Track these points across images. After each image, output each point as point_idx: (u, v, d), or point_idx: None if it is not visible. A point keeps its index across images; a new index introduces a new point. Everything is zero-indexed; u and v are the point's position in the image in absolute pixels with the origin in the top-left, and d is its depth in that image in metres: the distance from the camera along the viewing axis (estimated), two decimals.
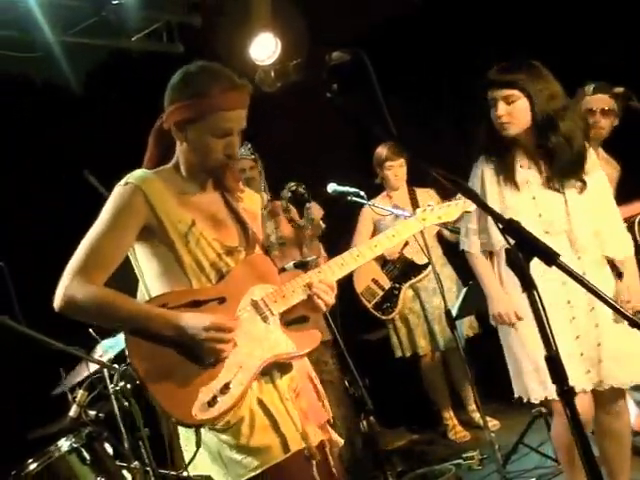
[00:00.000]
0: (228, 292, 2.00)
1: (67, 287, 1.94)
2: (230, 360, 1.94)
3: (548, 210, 2.76)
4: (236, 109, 2.02)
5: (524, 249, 1.60)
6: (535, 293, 1.57)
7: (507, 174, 2.78)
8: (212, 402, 1.89)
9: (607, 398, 2.78)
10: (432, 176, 1.64)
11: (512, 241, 1.61)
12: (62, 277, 1.97)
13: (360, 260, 2.17)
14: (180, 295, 1.97)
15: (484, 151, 2.86)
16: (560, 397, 1.57)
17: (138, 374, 1.90)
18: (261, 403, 1.98)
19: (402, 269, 4.57)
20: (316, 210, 3.97)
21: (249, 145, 4.19)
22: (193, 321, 1.92)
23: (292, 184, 3.92)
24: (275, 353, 2.01)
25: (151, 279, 2.05)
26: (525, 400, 2.84)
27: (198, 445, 1.94)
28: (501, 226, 1.62)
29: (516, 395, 2.90)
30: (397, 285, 4.57)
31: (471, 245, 2.90)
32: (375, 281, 4.59)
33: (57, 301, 1.96)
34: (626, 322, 1.61)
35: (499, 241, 2.75)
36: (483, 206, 1.74)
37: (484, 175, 2.84)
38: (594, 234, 2.78)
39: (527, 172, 2.79)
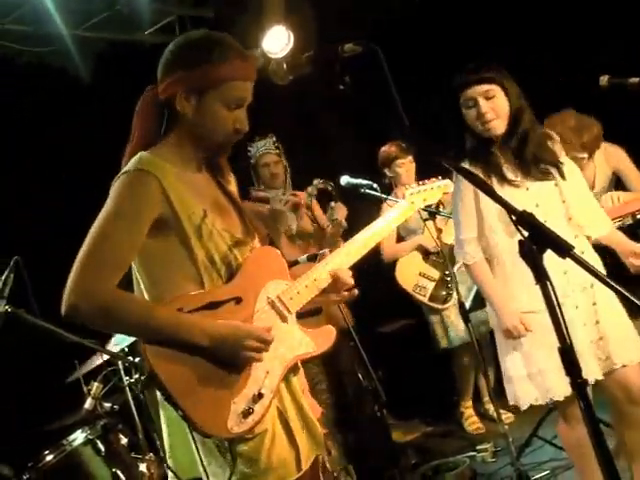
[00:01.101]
0: (243, 291, 1.87)
1: (78, 292, 1.71)
2: (257, 366, 1.83)
3: (543, 198, 2.75)
4: (248, 80, 1.89)
5: (538, 241, 1.60)
6: (549, 284, 1.57)
7: (497, 172, 2.76)
8: (247, 412, 1.78)
9: (631, 385, 2.74)
10: (440, 168, 1.63)
11: (525, 233, 1.60)
12: (70, 278, 1.73)
13: (362, 250, 2.12)
14: (194, 298, 1.81)
15: (469, 158, 2.80)
16: (574, 389, 1.56)
17: (165, 387, 1.73)
18: (279, 411, 1.88)
19: (446, 256, 4.53)
20: (340, 210, 3.96)
21: (274, 138, 4.14)
22: (233, 331, 1.78)
23: (320, 180, 3.88)
24: (296, 354, 1.94)
25: (157, 279, 1.85)
26: (524, 405, 2.78)
27: (234, 460, 1.80)
28: (514, 218, 1.61)
29: (511, 401, 2.84)
30: (447, 272, 4.49)
31: (466, 256, 2.84)
32: (423, 274, 4.55)
33: (65, 308, 1.72)
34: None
35: (497, 243, 2.75)
36: (495, 197, 1.73)
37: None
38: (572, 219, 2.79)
39: (510, 168, 2.79)
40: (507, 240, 2.74)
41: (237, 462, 1.80)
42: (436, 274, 4.55)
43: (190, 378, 1.75)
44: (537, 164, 2.76)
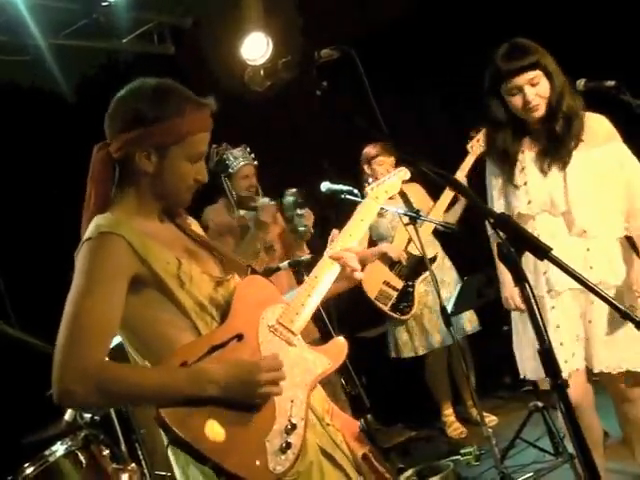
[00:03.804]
0: (241, 326, 1.79)
1: (69, 376, 1.58)
2: (280, 398, 1.73)
3: (541, 192, 2.77)
4: (208, 130, 1.82)
5: (516, 243, 1.60)
6: (527, 286, 1.57)
7: (507, 175, 2.82)
8: (284, 448, 1.68)
9: (623, 386, 2.78)
10: (418, 171, 1.63)
11: (503, 235, 1.61)
12: (56, 363, 1.59)
13: (337, 266, 2.03)
14: (195, 347, 1.71)
15: (495, 146, 2.86)
16: (553, 389, 1.56)
17: (195, 448, 1.61)
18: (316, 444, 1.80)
19: (411, 266, 4.54)
20: (308, 216, 3.96)
21: (248, 149, 4.10)
22: (239, 369, 1.69)
23: (293, 190, 3.87)
24: (315, 375, 1.85)
25: (150, 341, 1.74)
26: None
27: None
28: (492, 220, 1.62)
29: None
30: (410, 283, 4.54)
31: (494, 235, 2.87)
32: (387, 283, 4.55)
33: (59, 395, 1.59)
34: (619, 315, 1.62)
35: (516, 207, 2.80)
36: (473, 199, 1.74)
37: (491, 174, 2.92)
38: (601, 212, 2.75)
39: (527, 155, 2.80)
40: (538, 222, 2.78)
41: None
42: (399, 284, 4.56)
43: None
44: (575, 146, 2.73)
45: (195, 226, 1.97)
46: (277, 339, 1.84)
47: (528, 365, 2.85)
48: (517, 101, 2.73)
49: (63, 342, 1.61)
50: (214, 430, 1.64)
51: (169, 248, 1.78)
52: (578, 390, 2.71)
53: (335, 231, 2.10)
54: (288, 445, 1.69)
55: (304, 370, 1.83)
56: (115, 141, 1.77)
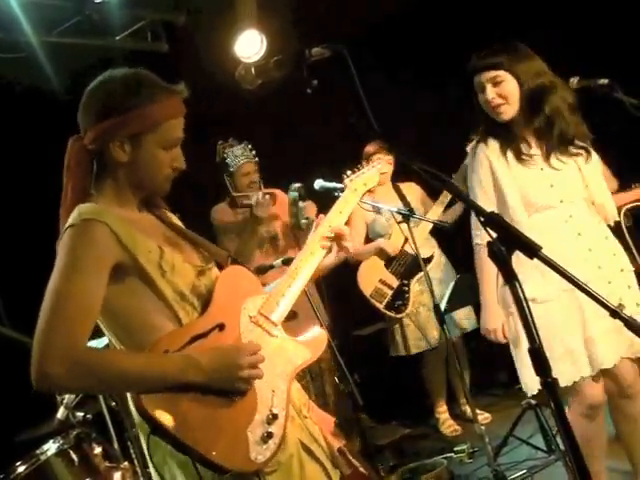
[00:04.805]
0: (222, 316, 1.80)
1: (48, 359, 1.55)
2: (261, 387, 1.76)
3: (560, 179, 2.74)
4: (181, 116, 1.82)
5: (506, 242, 1.60)
6: (517, 285, 1.57)
7: (514, 149, 2.75)
8: (266, 437, 1.70)
9: (623, 380, 2.77)
10: (414, 171, 1.63)
11: (494, 234, 1.61)
12: (35, 346, 1.56)
13: (319, 254, 2.04)
14: (176, 336, 1.72)
15: (484, 134, 2.82)
16: (543, 388, 1.56)
17: (175, 436, 1.61)
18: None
19: (407, 265, 4.55)
20: (310, 208, 4.00)
21: (250, 145, 4.16)
22: (223, 355, 1.71)
23: (297, 185, 3.90)
24: (295, 365, 1.87)
25: (131, 328, 1.73)
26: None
27: None
28: (482, 219, 1.62)
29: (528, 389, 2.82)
30: (405, 282, 4.55)
31: (477, 237, 2.84)
32: (382, 281, 4.56)
33: (38, 379, 1.56)
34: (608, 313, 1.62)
35: (518, 222, 2.70)
36: (465, 199, 1.74)
37: (490, 158, 2.79)
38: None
39: (530, 150, 2.78)
40: (527, 221, 2.72)
41: None
42: (395, 282, 4.56)
43: (197, 419, 1.65)
44: (566, 145, 2.74)
45: (175, 219, 1.97)
46: (258, 329, 1.85)
47: (561, 366, 2.68)
48: (481, 98, 2.77)
49: (44, 325, 1.58)
50: (191, 417, 1.64)
51: (150, 237, 1.78)
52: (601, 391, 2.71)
53: (322, 216, 2.12)
54: (269, 435, 1.70)
55: (285, 360, 1.85)
56: (89, 132, 1.77)
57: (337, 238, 2.04)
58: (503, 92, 2.72)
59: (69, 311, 1.61)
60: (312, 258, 2.02)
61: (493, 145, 2.79)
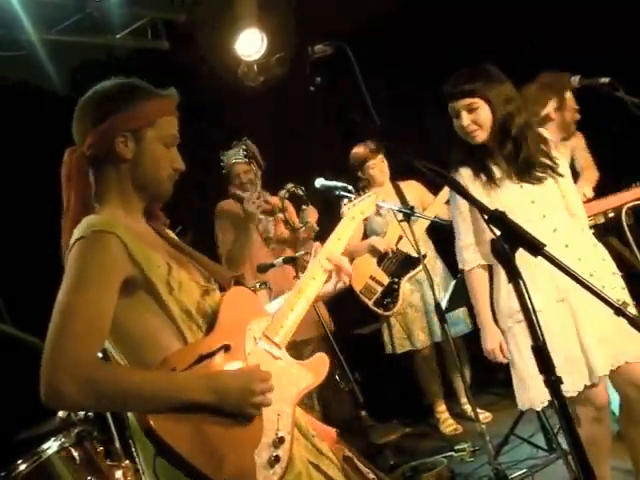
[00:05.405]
0: (228, 337, 1.78)
1: (58, 375, 1.52)
2: (267, 410, 1.73)
3: (540, 195, 2.75)
4: (174, 115, 1.85)
5: (509, 240, 1.60)
6: (521, 283, 1.57)
7: (486, 172, 2.77)
8: (273, 461, 1.69)
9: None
10: (415, 168, 1.63)
11: (497, 232, 1.61)
12: (45, 363, 1.53)
13: (320, 279, 2.06)
14: (183, 355, 1.69)
15: (456, 165, 2.83)
16: (547, 387, 1.56)
17: (186, 460, 1.57)
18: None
19: (399, 264, 4.55)
20: (311, 213, 4.03)
21: (243, 146, 4.22)
22: (235, 379, 1.69)
23: (290, 185, 3.97)
24: (300, 389, 1.86)
25: (137, 343, 1.70)
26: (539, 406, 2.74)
27: None
28: (486, 217, 1.62)
29: (524, 407, 2.83)
30: (396, 280, 4.55)
31: (463, 262, 2.86)
32: (373, 278, 4.56)
33: (48, 395, 1.53)
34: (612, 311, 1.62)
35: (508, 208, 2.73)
36: (469, 197, 1.73)
37: (465, 182, 2.80)
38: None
39: (503, 170, 2.79)
40: None
41: None
42: (385, 280, 4.56)
43: (205, 442, 1.61)
44: (531, 169, 2.75)
45: (172, 235, 1.96)
46: (263, 351, 1.84)
47: (537, 386, 2.64)
48: (456, 124, 2.79)
49: (55, 341, 1.55)
50: (199, 440, 1.61)
51: (158, 251, 1.76)
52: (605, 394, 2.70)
53: (317, 243, 2.15)
54: (276, 459, 1.70)
55: (289, 383, 1.84)
56: (89, 137, 1.77)
57: (336, 269, 2.07)
58: (479, 119, 2.74)
59: (80, 327, 1.57)
60: (314, 282, 2.04)
61: (465, 172, 2.80)
